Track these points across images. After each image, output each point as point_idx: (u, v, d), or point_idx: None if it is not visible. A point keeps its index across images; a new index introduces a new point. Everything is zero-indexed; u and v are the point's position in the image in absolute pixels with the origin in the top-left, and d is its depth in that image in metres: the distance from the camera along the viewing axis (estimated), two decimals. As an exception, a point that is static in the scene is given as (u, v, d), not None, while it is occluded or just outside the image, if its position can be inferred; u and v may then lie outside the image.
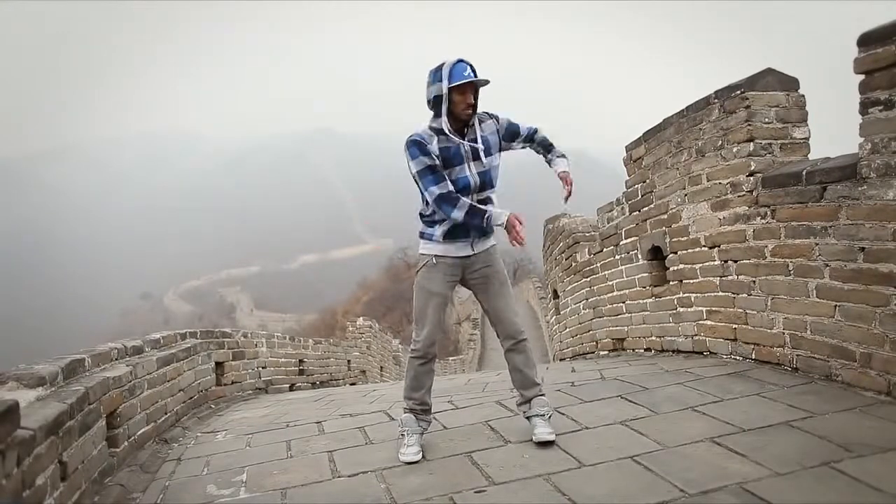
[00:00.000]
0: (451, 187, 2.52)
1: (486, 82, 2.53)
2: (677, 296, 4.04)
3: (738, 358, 3.50)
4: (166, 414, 3.69)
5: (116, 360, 3.15)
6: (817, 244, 2.81)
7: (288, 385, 6.80)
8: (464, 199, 2.50)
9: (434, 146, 2.53)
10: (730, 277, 3.50)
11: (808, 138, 3.33)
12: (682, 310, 4.01)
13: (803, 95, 3.33)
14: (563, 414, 2.94)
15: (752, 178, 3.26)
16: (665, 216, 4.09)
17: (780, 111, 3.28)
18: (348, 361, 9.68)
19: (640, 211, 4.43)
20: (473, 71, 2.52)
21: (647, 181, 4.29)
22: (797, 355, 3.02)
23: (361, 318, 12.57)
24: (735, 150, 3.35)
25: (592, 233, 5.61)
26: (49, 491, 1.93)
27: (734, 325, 3.50)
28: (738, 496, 1.87)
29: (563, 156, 2.80)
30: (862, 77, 2.48)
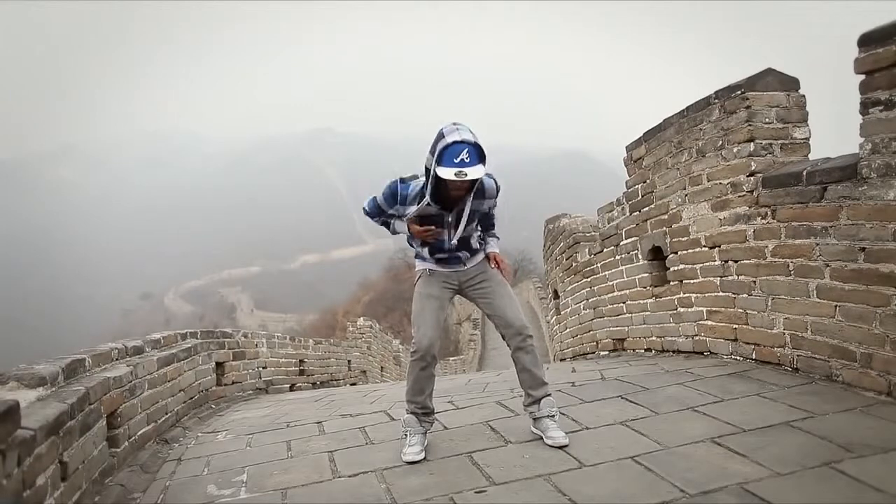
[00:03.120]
0: (380, 216, 2.68)
1: (478, 180, 2.34)
2: (678, 296, 4.04)
3: (738, 358, 3.50)
4: (167, 414, 3.69)
5: (117, 360, 3.15)
6: (818, 244, 2.81)
7: (288, 385, 6.80)
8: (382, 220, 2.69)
9: (412, 209, 2.54)
10: (730, 277, 3.50)
11: (808, 138, 3.33)
12: (682, 310, 4.01)
13: (804, 95, 3.33)
14: (563, 414, 2.93)
15: (752, 179, 3.26)
16: (665, 216, 4.08)
17: (780, 111, 3.28)
18: (349, 362, 9.68)
19: (640, 211, 4.43)
20: (475, 151, 2.28)
21: (648, 181, 4.29)
22: (798, 355, 3.02)
23: (362, 319, 12.57)
24: (735, 150, 3.35)
25: (593, 233, 5.61)
26: (49, 491, 1.93)
27: (735, 326, 3.50)
28: (738, 496, 1.87)
29: (494, 236, 2.81)
30: (862, 77, 2.48)
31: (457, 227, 2.56)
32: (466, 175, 2.26)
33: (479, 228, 2.74)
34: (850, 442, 2.11)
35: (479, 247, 2.72)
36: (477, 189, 2.47)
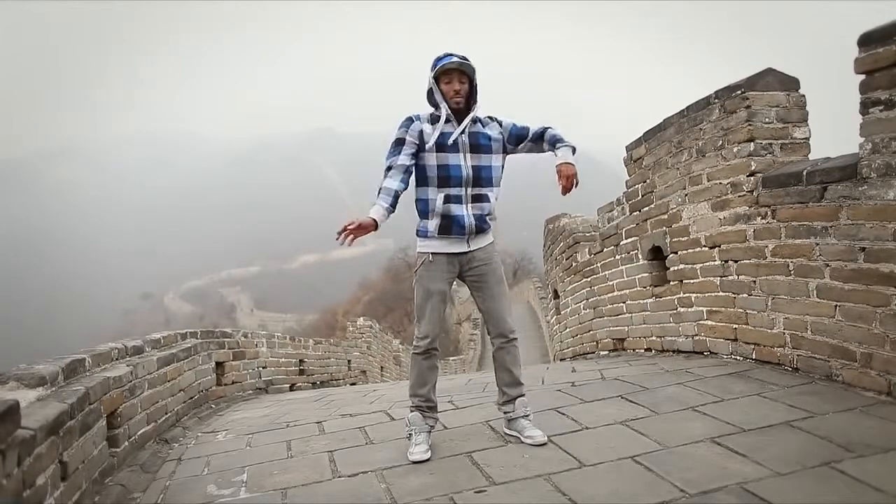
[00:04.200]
0: (402, 162, 2.55)
1: (468, 65, 2.52)
2: (678, 296, 4.04)
3: (738, 358, 3.50)
4: (167, 414, 3.69)
5: (117, 360, 3.15)
6: (818, 244, 2.81)
7: (288, 385, 6.80)
8: (390, 180, 2.53)
9: (428, 127, 2.57)
10: (730, 277, 3.50)
11: (808, 138, 3.33)
12: (682, 310, 4.01)
13: (804, 95, 3.33)
14: (563, 414, 2.94)
15: (752, 178, 3.26)
16: (665, 216, 4.08)
17: (780, 111, 3.28)
18: (348, 361, 9.68)
19: (640, 211, 4.43)
20: (462, 59, 2.52)
21: (648, 181, 4.29)
22: (798, 355, 3.02)
23: (362, 319, 12.56)
24: (735, 150, 3.35)
25: (593, 233, 5.61)
26: (49, 491, 1.93)
27: (734, 325, 3.50)
28: (738, 496, 1.87)
29: (570, 146, 2.66)
30: (862, 77, 2.48)
31: (473, 151, 2.58)
32: (456, 59, 2.49)
33: (545, 149, 2.70)
34: (850, 442, 2.11)
35: (489, 225, 2.64)
36: (477, 120, 2.63)
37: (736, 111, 3.34)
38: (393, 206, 2.54)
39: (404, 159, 2.56)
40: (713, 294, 3.68)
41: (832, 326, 2.77)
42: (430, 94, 2.60)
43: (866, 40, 2.44)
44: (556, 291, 7.03)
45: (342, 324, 27.25)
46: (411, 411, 2.71)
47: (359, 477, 2.45)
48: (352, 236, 2.36)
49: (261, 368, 6.10)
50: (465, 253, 2.63)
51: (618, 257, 4.84)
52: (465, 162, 2.57)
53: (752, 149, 3.26)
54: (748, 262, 3.33)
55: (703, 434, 2.41)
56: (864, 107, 2.48)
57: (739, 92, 3.31)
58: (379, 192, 2.54)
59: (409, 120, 2.60)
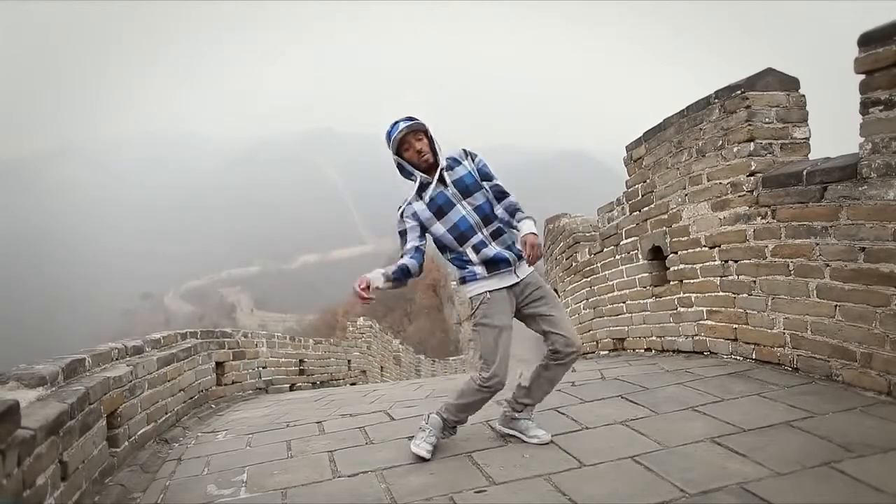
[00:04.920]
0: (410, 246, 2.58)
1: (416, 124, 2.53)
2: (678, 296, 4.04)
3: (738, 358, 3.50)
4: (167, 414, 3.69)
5: (117, 360, 3.15)
6: (818, 244, 2.81)
7: (288, 385, 6.80)
8: (402, 259, 2.57)
9: (421, 205, 2.58)
10: (730, 277, 3.50)
11: (808, 138, 3.33)
12: (682, 310, 4.01)
13: (804, 95, 3.33)
14: (563, 414, 2.94)
15: (752, 178, 3.26)
16: (665, 216, 4.08)
17: (780, 111, 3.28)
18: (348, 361, 9.68)
19: (640, 211, 4.43)
20: (412, 120, 2.55)
21: (648, 181, 4.29)
22: (798, 355, 3.02)
23: (362, 319, 12.57)
24: (735, 149, 3.35)
25: (593, 233, 5.61)
26: (49, 491, 1.93)
27: (735, 325, 3.50)
28: (738, 496, 1.87)
29: (530, 218, 2.59)
30: (862, 77, 2.48)
31: (466, 196, 2.56)
32: (401, 129, 2.52)
33: (498, 206, 2.62)
34: (850, 442, 2.11)
35: (514, 243, 2.57)
36: (450, 165, 2.63)
37: (736, 111, 3.34)
38: (397, 277, 2.51)
39: (411, 244, 2.59)
40: (713, 294, 3.68)
41: (832, 326, 2.77)
42: (400, 168, 2.63)
43: (866, 40, 2.44)
44: (555, 291, 7.03)
45: (342, 324, 27.20)
46: (438, 417, 2.64)
47: (359, 477, 2.45)
48: (365, 295, 2.41)
49: (261, 368, 6.10)
50: (517, 284, 2.56)
51: (618, 257, 4.84)
52: (465, 210, 2.56)
53: (752, 149, 3.26)
54: (748, 262, 3.33)
55: (703, 434, 2.41)
56: (864, 107, 2.48)
57: (739, 92, 3.31)
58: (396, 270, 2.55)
59: (401, 210, 2.63)
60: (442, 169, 2.58)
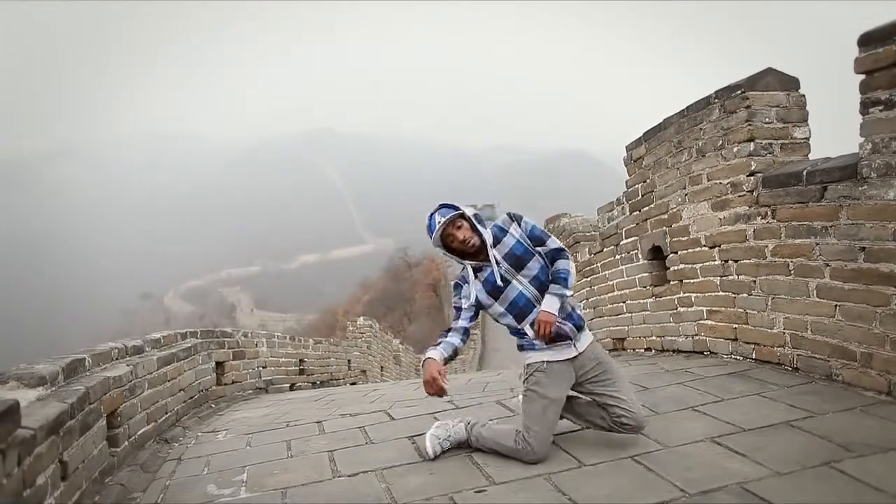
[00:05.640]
0: (462, 325, 2.55)
1: (455, 214, 2.42)
2: (678, 295, 4.04)
3: (738, 358, 3.50)
4: (167, 413, 3.69)
5: (117, 359, 3.15)
6: (818, 244, 2.81)
7: (288, 385, 6.80)
8: (452, 337, 2.52)
9: (478, 285, 2.50)
10: (730, 277, 3.50)
11: (808, 138, 3.33)
12: (682, 309, 4.01)
13: (804, 95, 3.33)
14: (563, 414, 2.93)
15: (752, 178, 3.26)
16: (665, 216, 4.08)
17: (780, 111, 3.28)
18: (348, 361, 9.67)
19: (640, 211, 4.43)
20: (444, 208, 2.45)
21: (648, 181, 4.29)
22: (798, 355, 3.02)
23: (362, 318, 12.56)
24: (735, 149, 3.35)
25: (593, 232, 5.61)
26: (49, 490, 1.93)
27: (735, 325, 3.50)
28: (738, 496, 1.87)
29: (559, 295, 2.44)
30: (862, 77, 2.48)
31: (519, 269, 2.47)
32: (441, 223, 2.41)
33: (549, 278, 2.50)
34: (850, 441, 2.11)
35: (583, 319, 2.53)
36: (497, 236, 2.51)
37: (736, 111, 3.34)
38: (451, 357, 2.50)
39: (463, 324, 2.56)
40: (713, 294, 3.68)
41: (832, 326, 2.77)
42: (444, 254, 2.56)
43: (866, 40, 2.44)
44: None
45: (342, 323, 27.25)
46: (465, 433, 2.61)
47: (359, 476, 2.45)
48: (437, 387, 2.38)
49: (261, 368, 6.10)
50: (577, 357, 2.48)
51: (618, 257, 4.84)
52: (522, 285, 2.47)
53: (752, 148, 3.26)
54: (748, 261, 3.33)
55: (703, 434, 2.41)
56: (864, 107, 2.48)
57: (739, 92, 3.31)
58: (439, 344, 2.53)
59: (458, 287, 2.58)
60: (490, 247, 2.46)
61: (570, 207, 7.64)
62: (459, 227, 2.45)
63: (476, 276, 2.51)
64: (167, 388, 3.72)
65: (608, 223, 5.01)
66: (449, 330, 2.57)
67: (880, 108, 2.42)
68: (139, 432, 3.18)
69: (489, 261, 2.48)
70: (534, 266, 2.48)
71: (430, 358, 2.44)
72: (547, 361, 2.47)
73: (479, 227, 2.48)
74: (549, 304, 2.41)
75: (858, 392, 2.59)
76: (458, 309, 2.57)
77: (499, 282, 2.46)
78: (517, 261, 2.48)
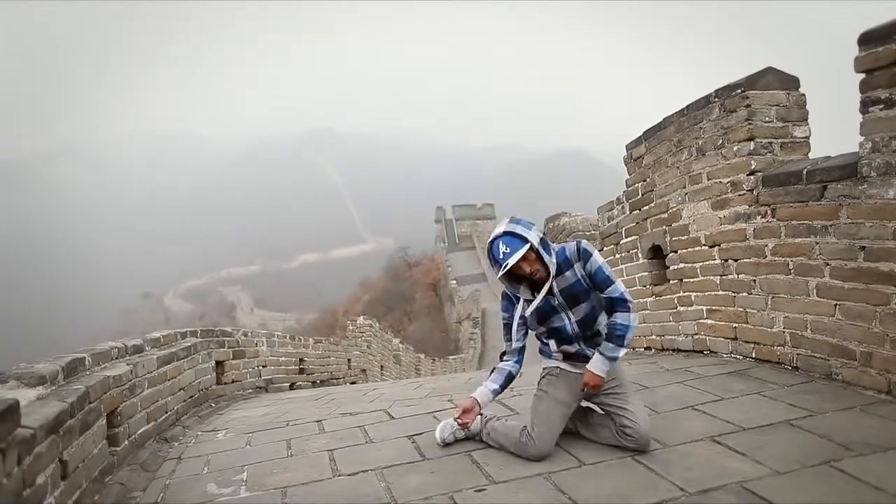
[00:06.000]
0: (516, 346, 2.53)
1: (526, 252, 2.27)
2: (677, 295, 4.04)
3: (738, 357, 3.50)
4: (167, 413, 3.69)
5: (117, 358, 3.15)
6: (818, 243, 2.81)
7: (288, 384, 6.80)
8: (506, 363, 2.55)
9: (528, 310, 2.44)
10: (730, 276, 3.50)
11: (808, 137, 3.33)
12: (682, 309, 4.01)
13: (804, 94, 3.33)
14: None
15: (752, 177, 3.26)
16: (665, 215, 4.08)
17: (780, 110, 3.28)
18: (348, 360, 9.68)
19: (640, 210, 4.43)
20: (510, 237, 2.28)
21: (648, 180, 4.29)
22: (797, 354, 3.02)
23: (362, 317, 12.56)
24: (735, 148, 3.35)
25: (592, 232, 5.61)
26: (49, 490, 1.93)
27: (734, 324, 3.50)
28: (738, 495, 1.87)
29: (611, 358, 2.37)
30: (862, 76, 2.48)
31: (570, 308, 2.41)
32: (509, 265, 2.26)
33: (603, 319, 2.44)
34: (850, 440, 2.11)
35: (601, 329, 2.49)
36: (559, 268, 2.40)
37: (736, 110, 3.34)
38: (503, 386, 2.53)
39: (517, 344, 2.54)
40: (713, 293, 3.68)
41: (832, 325, 2.77)
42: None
43: (866, 39, 2.44)
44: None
45: (342, 323, 27.26)
46: (480, 420, 2.64)
47: (359, 476, 2.45)
48: (467, 422, 2.45)
49: (261, 367, 6.10)
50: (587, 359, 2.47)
51: (618, 256, 4.84)
52: (568, 320, 2.42)
53: (752, 147, 3.26)
54: (748, 260, 3.33)
55: (703, 433, 2.41)
56: (864, 105, 2.48)
57: (739, 91, 3.31)
58: (493, 371, 2.55)
59: (510, 303, 2.50)
60: (552, 276, 2.38)
61: (570, 207, 7.65)
62: (526, 258, 2.31)
63: (528, 302, 2.44)
64: (167, 388, 3.72)
65: (608, 222, 5.01)
66: (504, 353, 2.56)
67: (880, 106, 2.42)
68: (139, 431, 3.18)
69: (545, 287, 2.39)
70: (585, 307, 2.41)
71: (470, 397, 2.50)
72: (561, 368, 2.51)
73: (545, 256, 2.34)
74: (599, 366, 2.35)
75: (858, 391, 2.59)
76: (508, 327, 2.53)
77: (550, 311, 2.43)
78: (573, 299, 2.40)
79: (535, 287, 2.43)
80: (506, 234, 2.30)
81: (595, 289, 2.40)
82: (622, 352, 2.37)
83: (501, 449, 2.52)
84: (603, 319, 2.44)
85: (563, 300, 2.40)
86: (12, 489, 1.62)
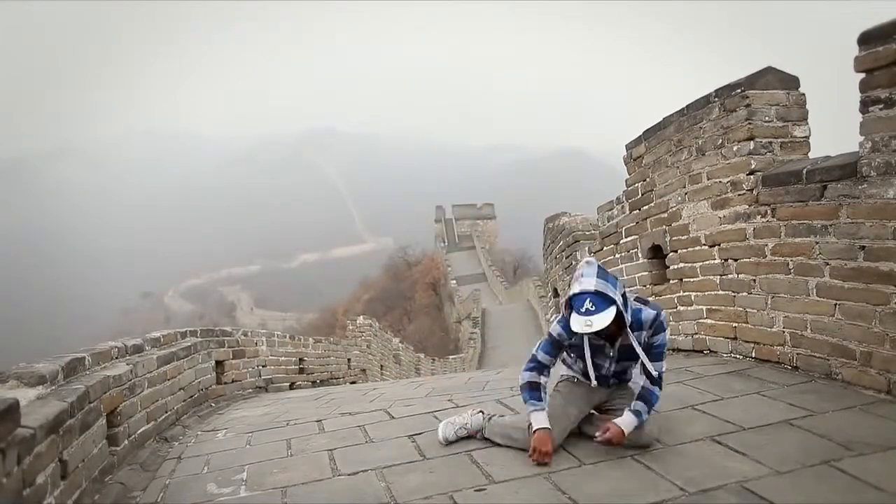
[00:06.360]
0: (546, 364, 2.47)
1: (614, 313, 2.20)
2: (677, 294, 4.04)
3: (738, 356, 3.50)
4: (166, 412, 3.69)
5: (117, 358, 3.15)
6: (817, 243, 2.81)
7: (288, 384, 6.80)
8: (536, 373, 2.45)
9: (580, 338, 2.40)
10: (730, 276, 3.50)
11: (808, 137, 3.33)
12: (682, 308, 4.01)
13: (804, 94, 3.33)
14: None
15: (752, 177, 3.26)
16: (665, 215, 4.08)
17: (780, 109, 3.28)
18: (348, 360, 9.68)
19: (640, 209, 4.43)
20: (599, 297, 2.21)
21: (648, 180, 4.29)
22: (797, 354, 3.02)
23: (362, 317, 12.56)
24: (735, 148, 3.35)
25: (592, 231, 5.61)
26: (49, 489, 1.93)
27: (734, 324, 3.50)
28: (738, 495, 1.88)
29: (640, 419, 2.34)
30: (862, 75, 2.48)
31: (621, 360, 2.45)
32: (592, 325, 2.20)
33: (640, 379, 2.45)
34: (850, 440, 2.11)
35: (631, 377, 2.59)
36: (631, 323, 2.37)
37: (736, 110, 3.34)
38: (543, 399, 2.47)
39: (554, 360, 2.52)
40: (713, 293, 3.68)
41: (832, 325, 2.78)
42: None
43: (866, 39, 2.44)
44: (555, 290, 7.04)
45: (342, 322, 27.26)
46: (483, 421, 2.64)
47: (359, 475, 2.45)
48: (547, 458, 2.30)
49: (261, 367, 6.10)
50: (609, 388, 2.57)
51: (617, 256, 4.84)
52: (610, 365, 2.47)
53: (751, 147, 3.26)
54: (748, 260, 3.33)
55: (703, 432, 2.41)
56: (864, 105, 2.48)
57: (739, 90, 3.31)
58: (528, 387, 2.45)
59: (564, 334, 2.43)
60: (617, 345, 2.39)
61: (569, 207, 7.66)
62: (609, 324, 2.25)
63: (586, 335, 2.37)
64: (167, 387, 3.72)
65: (608, 222, 5.01)
66: (541, 365, 2.48)
67: (880, 106, 2.42)
68: (139, 431, 3.18)
69: (616, 344, 2.40)
70: (631, 364, 2.50)
71: (544, 429, 2.34)
72: (578, 378, 2.55)
73: (624, 317, 2.29)
74: (628, 423, 2.33)
75: (858, 391, 2.59)
76: (559, 345, 2.47)
77: (598, 352, 2.43)
78: (625, 356, 2.44)
79: (601, 334, 2.35)
80: (594, 293, 2.22)
81: (646, 353, 2.37)
82: (647, 417, 2.36)
83: (504, 446, 2.52)
84: (636, 372, 2.51)
85: (616, 352, 2.44)
86: (12, 489, 1.62)
